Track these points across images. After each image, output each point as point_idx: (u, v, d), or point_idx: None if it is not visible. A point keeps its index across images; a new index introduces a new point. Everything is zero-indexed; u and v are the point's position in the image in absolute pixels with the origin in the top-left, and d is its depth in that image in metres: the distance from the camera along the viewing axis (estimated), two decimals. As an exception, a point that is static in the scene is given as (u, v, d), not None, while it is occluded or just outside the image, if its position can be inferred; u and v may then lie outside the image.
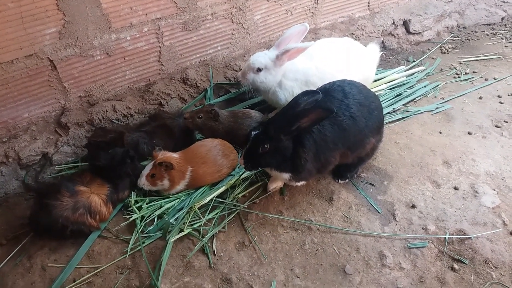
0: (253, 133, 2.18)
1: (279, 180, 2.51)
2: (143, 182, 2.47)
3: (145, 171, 2.48)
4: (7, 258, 2.21)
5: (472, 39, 4.17)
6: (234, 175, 2.63)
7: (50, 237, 2.26)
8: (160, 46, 3.05)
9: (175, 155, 2.54)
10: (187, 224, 2.30)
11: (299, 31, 2.94)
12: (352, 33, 3.83)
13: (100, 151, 2.45)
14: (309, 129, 2.17)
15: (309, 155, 2.22)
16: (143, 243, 2.23)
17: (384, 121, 2.95)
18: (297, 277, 2.09)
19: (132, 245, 2.24)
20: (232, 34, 3.35)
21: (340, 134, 2.26)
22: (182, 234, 2.27)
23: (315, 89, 2.46)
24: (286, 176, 2.31)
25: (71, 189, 2.22)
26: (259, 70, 2.86)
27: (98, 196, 2.29)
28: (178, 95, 3.19)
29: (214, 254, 2.20)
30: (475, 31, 4.29)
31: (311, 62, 2.95)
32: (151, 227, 2.34)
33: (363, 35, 3.87)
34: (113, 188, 2.41)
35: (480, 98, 3.28)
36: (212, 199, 2.44)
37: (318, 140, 2.22)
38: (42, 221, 2.17)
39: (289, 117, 2.12)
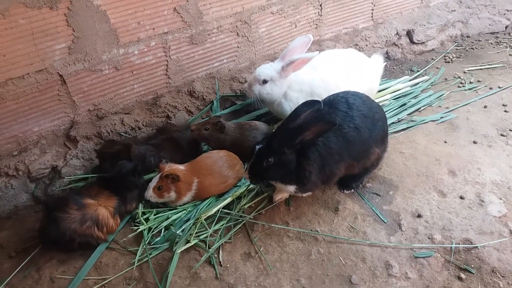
0: (257, 147, 2.21)
1: (284, 191, 2.53)
2: (150, 194, 2.50)
3: (152, 183, 2.51)
4: (16, 270, 2.25)
5: (476, 48, 4.18)
6: (240, 186, 2.65)
7: (58, 249, 2.29)
8: (167, 60, 3.11)
9: (181, 167, 2.57)
10: (193, 235, 2.32)
11: (303, 43, 2.98)
12: (356, 44, 3.86)
13: (107, 162, 2.49)
14: (313, 141, 2.19)
15: (314, 167, 2.24)
16: (150, 254, 2.26)
17: (389, 131, 2.96)
18: (303, 287, 2.09)
19: (140, 256, 2.27)
20: (238, 47, 3.40)
21: (345, 145, 2.27)
22: (188, 245, 2.29)
23: (320, 99, 2.51)
24: (292, 188, 2.33)
25: (79, 202, 2.25)
26: (265, 81, 2.91)
27: (105, 208, 2.33)
28: (185, 107, 3.24)
29: (221, 265, 2.22)
30: (479, 40, 4.30)
31: (316, 74, 2.98)
32: (158, 238, 2.36)
33: (367, 45, 3.91)
34: (121, 200, 2.44)
35: (485, 107, 3.28)
36: (218, 210, 2.47)
37: (323, 152, 2.23)
38: (51, 233, 2.21)
39: (291, 130, 2.15)
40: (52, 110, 2.80)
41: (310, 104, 2.24)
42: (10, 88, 2.57)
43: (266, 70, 2.90)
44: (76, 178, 2.82)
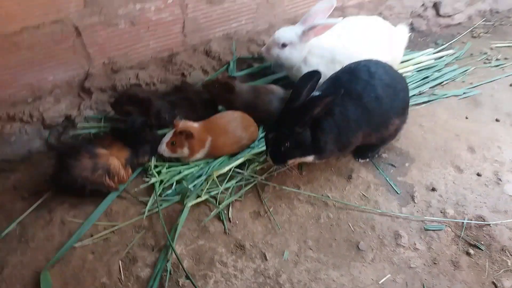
0: (270, 135, 2.20)
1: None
2: (163, 148, 2.50)
3: (165, 138, 2.51)
4: (29, 210, 2.28)
5: (505, 24, 4.01)
6: (254, 147, 2.63)
7: (70, 194, 2.31)
8: (184, 18, 3.03)
9: (195, 124, 2.55)
10: (204, 191, 2.32)
11: (325, 7, 2.87)
12: (380, 13, 3.73)
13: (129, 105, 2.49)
14: (325, 114, 2.14)
15: (330, 136, 2.20)
16: (160, 205, 2.27)
17: (410, 103, 2.89)
18: (310, 249, 2.09)
19: (150, 207, 2.28)
20: (257, 8, 3.30)
21: (363, 115, 2.22)
22: (199, 200, 2.29)
23: (341, 67, 2.44)
24: (310, 158, 2.30)
25: (91, 151, 2.26)
26: (284, 45, 2.82)
27: (117, 159, 2.33)
28: (201, 67, 3.18)
29: (230, 221, 2.22)
30: (509, 17, 4.12)
31: (338, 40, 2.90)
32: (170, 191, 2.37)
33: (391, 15, 3.77)
34: (133, 153, 2.44)
35: (511, 85, 3.17)
36: (230, 169, 2.45)
37: (339, 122, 2.19)
38: (63, 179, 2.23)
39: (296, 110, 2.11)
40: (67, 61, 2.76)
41: (308, 77, 2.18)
42: (25, 37, 2.53)
43: (286, 33, 2.81)
44: (90, 126, 2.81)
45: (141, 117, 2.55)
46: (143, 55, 3.04)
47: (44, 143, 2.73)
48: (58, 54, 2.70)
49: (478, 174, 2.46)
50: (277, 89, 2.84)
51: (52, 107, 2.74)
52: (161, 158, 2.57)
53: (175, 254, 2.02)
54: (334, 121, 2.18)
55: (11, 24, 2.46)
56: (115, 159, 2.31)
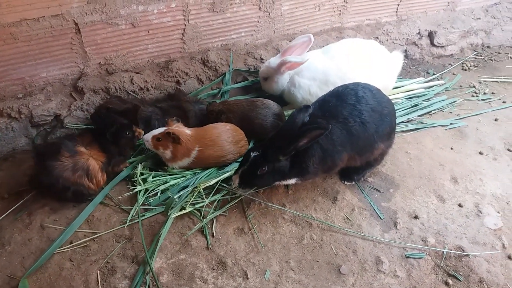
0: (252, 154, 2.20)
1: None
2: (148, 139, 2.46)
3: (155, 131, 2.47)
4: (7, 212, 2.24)
5: (494, 60, 4.12)
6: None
7: (52, 197, 2.27)
8: (185, 24, 3.04)
9: (187, 131, 2.54)
10: (189, 203, 2.31)
11: (303, 42, 3.02)
12: (377, 37, 3.79)
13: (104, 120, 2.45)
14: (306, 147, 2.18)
15: (313, 159, 2.23)
16: (143, 215, 2.25)
17: (397, 130, 2.95)
18: (292, 269, 2.09)
19: (132, 216, 2.26)
20: (258, 21, 3.33)
21: (348, 138, 2.26)
22: (183, 211, 2.28)
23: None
24: (292, 181, 2.35)
25: (71, 149, 2.22)
26: (264, 79, 3.10)
27: (96, 161, 2.30)
28: (196, 75, 3.18)
29: (213, 236, 2.21)
30: (499, 52, 4.24)
31: (332, 62, 2.94)
32: (152, 200, 2.35)
33: (387, 40, 3.84)
34: (108, 158, 2.41)
35: (496, 120, 3.25)
36: (217, 182, 2.45)
37: (324, 145, 2.22)
38: (44, 181, 2.19)
39: (287, 139, 2.14)
40: (62, 58, 2.74)
41: (303, 110, 2.23)
42: (24, 29, 2.51)
43: (263, 68, 3.10)
44: (79, 127, 2.78)
45: (124, 122, 2.49)
46: (139, 59, 3.04)
47: (30, 141, 2.69)
48: (55, 50, 2.68)
49: (460, 205, 2.51)
50: (274, 105, 2.86)
51: (42, 105, 2.70)
52: (148, 165, 2.55)
53: (151, 272, 1.99)
54: (319, 144, 2.21)
55: (10, 14, 2.44)
56: (93, 161, 2.28)
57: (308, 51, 3.02)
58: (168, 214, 2.24)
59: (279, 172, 2.22)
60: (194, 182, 2.46)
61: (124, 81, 2.91)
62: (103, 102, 2.77)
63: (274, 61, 2.99)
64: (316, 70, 2.95)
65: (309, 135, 2.10)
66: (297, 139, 2.11)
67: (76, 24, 2.65)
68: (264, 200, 2.43)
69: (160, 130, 2.46)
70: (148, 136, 2.46)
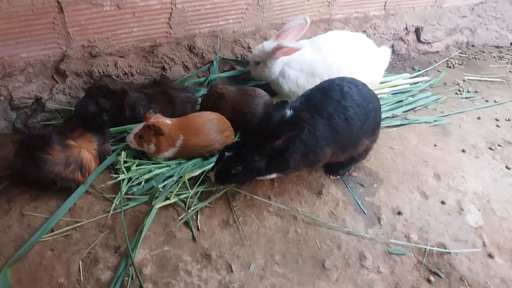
0: (226, 154, 2.17)
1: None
2: (130, 139, 2.43)
3: (135, 129, 2.44)
4: (-15, 198, 2.15)
5: (478, 59, 4.18)
6: (228, 152, 2.60)
7: (35, 189, 2.20)
8: (172, 8, 2.96)
9: (168, 121, 2.48)
10: (174, 193, 2.27)
11: (299, 25, 2.93)
12: (365, 31, 3.79)
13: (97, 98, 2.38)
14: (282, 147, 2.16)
15: (295, 155, 2.22)
16: (126, 205, 2.20)
17: (382, 125, 2.97)
18: (276, 263, 2.09)
19: (115, 205, 2.21)
20: (246, 9, 3.27)
21: (332, 134, 2.25)
22: (168, 202, 2.24)
23: (321, 81, 2.45)
24: (273, 176, 2.35)
25: (62, 143, 2.14)
26: (256, 63, 2.94)
27: (88, 152, 2.23)
28: (183, 62, 3.11)
29: (198, 229, 2.18)
30: (483, 51, 4.30)
31: (320, 54, 2.91)
32: (136, 189, 2.30)
33: (375, 34, 3.84)
34: (100, 140, 2.35)
35: (479, 118, 3.30)
36: (202, 173, 2.41)
37: (307, 140, 2.20)
38: (31, 175, 2.09)
39: (262, 138, 2.12)
40: (44, 38, 2.63)
41: (280, 107, 2.20)
42: (3, 5, 2.39)
43: (256, 51, 2.94)
44: (61, 108, 2.68)
45: (88, 101, 2.43)
46: (124, 42, 2.95)
47: (9, 124, 2.58)
48: (36, 30, 2.57)
49: (442, 202, 2.54)
50: (265, 95, 2.83)
51: (22, 87, 2.59)
52: (132, 153, 2.49)
53: (133, 265, 1.95)
54: (301, 139, 2.19)
55: (-11, -10, 2.31)
56: (86, 152, 2.21)
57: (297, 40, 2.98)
58: (152, 204, 2.20)
59: (255, 170, 2.21)
60: (179, 172, 2.42)
61: (108, 65, 2.83)
62: (95, 81, 2.68)
63: (268, 44, 2.87)
64: (304, 62, 2.92)
65: (285, 135, 2.08)
66: (272, 139, 2.09)
67: (59, 2, 2.54)
68: (250, 193, 2.40)
69: (139, 126, 2.42)
70: (130, 137, 2.43)
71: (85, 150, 2.23)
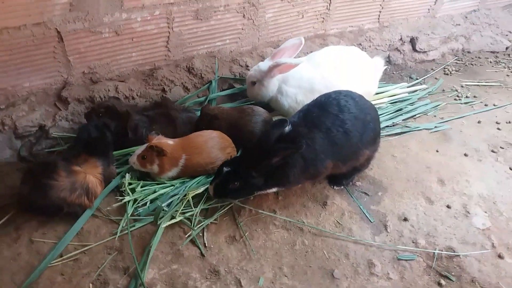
0: (225, 169, 2.21)
1: None
2: (133, 161, 2.46)
3: (138, 150, 2.47)
4: (-6, 227, 2.17)
5: (475, 64, 4.22)
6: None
7: (41, 216, 2.21)
8: (169, 32, 3.02)
9: (170, 141, 2.52)
10: (179, 212, 2.28)
11: (293, 45, 3.01)
12: (360, 44, 3.85)
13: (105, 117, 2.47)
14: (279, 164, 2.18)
15: (294, 170, 2.23)
16: (133, 226, 2.21)
17: (383, 134, 2.99)
18: (285, 276, 2.08)
19: (122, 227, 2.21)
20: (242, 29, 3.34)
21: (331, 147, 2.27)
22: (173, 221, 2.25)
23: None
24: (273, 190, 2.36)
25: (67, 169, 2.17)
26: (253, 83, 3.00)
27: (94, 176, 2.26)
28: (182, 83, 3.17)
29: (205, 245, 2.18)
30: (479, 57, 4.34)
31: (317, 70, 2.96)
32: (142, 210, 2.31)
33: (370, 46, 3.90)
34: (105, 163, 2.37)
35: (479, 122, 3.32)
36: (206, 190, 2.42)
37: (306, 154, 2.22)
38: (38, 201, 2.11)
39: (259, 155, 2.15)
40: (45, 67, 2.69)
41: (279, 125, 2.22)
42: (5, 38, 2.46)
43: (252, 71, 3.00)
44: (65, 137, 2.72)
45: (91, 123, 2.49)
46: (124, 67, 3.01)
47: (14, 153, 2.62)
48: (37, 59, 2.63)
49: (448, 206, 2.54)
50: (264, 112, 2.86)
51: (25, 116, 2.64)
52: (136, 175, 2.52)
53: (142, 285, 1.95)
54: (300, 153, 2.20)
55: (-10, 23, 2.38)
56: (91, 177, 2.24)
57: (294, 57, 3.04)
58: (158, 223, 2.21)
59: (254, 186, 2.23)
60: (183, 190, 2.43)
61: (109, 90, 2.88)
62: (102, 101, 2.75)
63: (264, 64, 2.94)
64: (302, 79, 2.97)
65: (282, 153, 2.11)
66: (270, 157, 2.12)
67: (58, 32, 2.61)
68: (255, 207, 2.41)
69: (142, 148, 2.46)
70: (133, 158, 2.46)
71: (91, 175, 2.25)
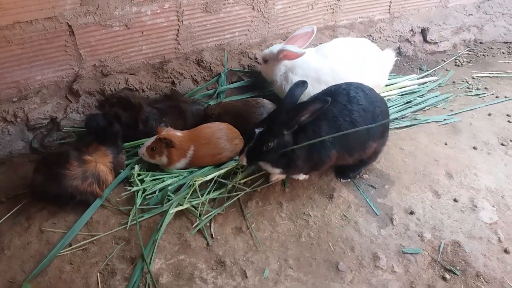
0: (257, 130, 2.18)
1: (271, 173, 2.53)
2: (143, 152, 2.51)
3: (147, 142, 2.53)
4: (6, 216, 2.24)
5: (487, 55, 4.15)
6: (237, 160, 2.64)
7: (54, 204, 2.27)
8: (179, 25, 3.04)
9: (178, 133, 2.57)
10: (187, 199, 2.32)
11: (306, 33, 3.04)
12: (370, 35, 3.81)
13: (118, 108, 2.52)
14: (308, 121, 2.19)
15: (301, 153, 2.24)
16: (141, 216, 2.26)
17: (392, 126, 2.97)
18: (290, 267, 2.11)
19: (132, 217, 2.26)
20: (252, 21, 3.34)
21: (337, 137, 2.26)
22: (180, 207, 2.29)
23: (327, 86, 2.50)
24: (277, 171, 2.37)
25: (79, 158, 2.23)
26: (265, 61, 3.06)
27: (104, 165, 2.31)
28: (191, 76, 3.19)
29: (212, 236, 2.22)
30: (491, 48, 4.27)
31: (325, 61, 2.96)
32: (150, 199, 2.36)
33: (380, 38, 3.86)
34: (115, 151, 2.43)
35: (489, 114, 3.28)
36: (213, 179, 2.46)
37: (312, 139, 2.22)
38: (51, 190, 2.17)
39: (289, 112, 2.16)
40: (57, 61, 2.74)
41: (300, 84, 2.27)
42: (17, 32, 2.51)
43: (267, 51, 3.06)
44: (76, 130, 2.78)
45: (97, 113, 2.56)
46: (134, 60, 3.04)
47: (26, 145, 2.68)
48: (49, 53, 2.68)
49: (455, 200, 2.53)
50: (268, 103, 2.88)
51: (37, 108, 2.70)
52: (145, 167, 2.56)
53: (149, 274, 2.00)
54: (307, 138, 2.22)
55: (3, 17, 2.43)
56: (102, 166, 2.29)
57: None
58: (164, 208, 2.26)
59: (282, 149, 2.20)
60: (191, 180, 2.47)
61: (119, 83, 2.92)
62: (116, 92, 2.80)
63: (277, 47, 2.98)
64: (309, 68, 2.97)
65: (310, 108, 2.13)
66: (299, 112, 2.13)
67: (69, 26, 2.65)
68: (261, 199, 2.44)
69: (151, 139, 2.51)
70: (142, 150, 2.52)
71: (101, 163, 2.31)
